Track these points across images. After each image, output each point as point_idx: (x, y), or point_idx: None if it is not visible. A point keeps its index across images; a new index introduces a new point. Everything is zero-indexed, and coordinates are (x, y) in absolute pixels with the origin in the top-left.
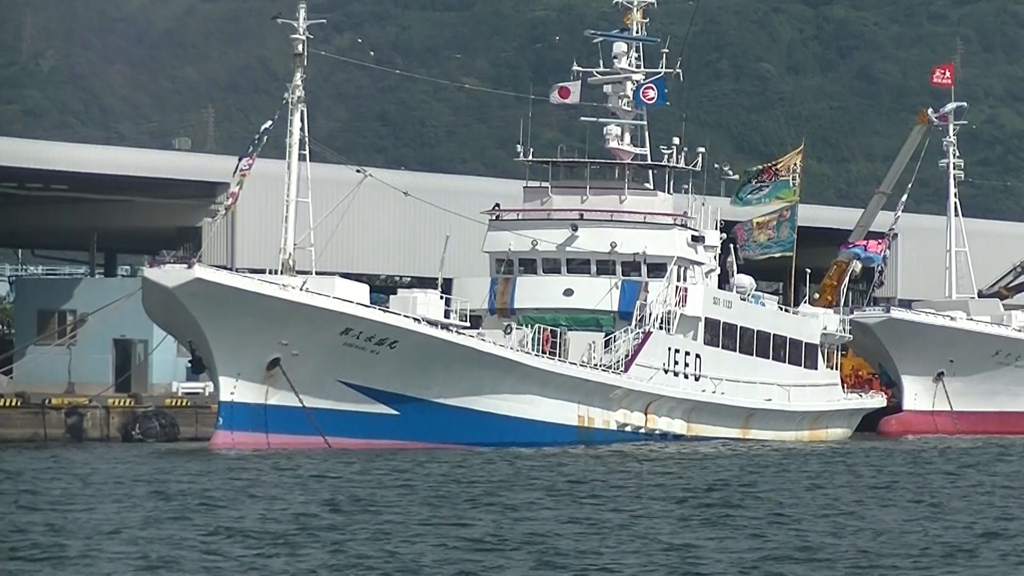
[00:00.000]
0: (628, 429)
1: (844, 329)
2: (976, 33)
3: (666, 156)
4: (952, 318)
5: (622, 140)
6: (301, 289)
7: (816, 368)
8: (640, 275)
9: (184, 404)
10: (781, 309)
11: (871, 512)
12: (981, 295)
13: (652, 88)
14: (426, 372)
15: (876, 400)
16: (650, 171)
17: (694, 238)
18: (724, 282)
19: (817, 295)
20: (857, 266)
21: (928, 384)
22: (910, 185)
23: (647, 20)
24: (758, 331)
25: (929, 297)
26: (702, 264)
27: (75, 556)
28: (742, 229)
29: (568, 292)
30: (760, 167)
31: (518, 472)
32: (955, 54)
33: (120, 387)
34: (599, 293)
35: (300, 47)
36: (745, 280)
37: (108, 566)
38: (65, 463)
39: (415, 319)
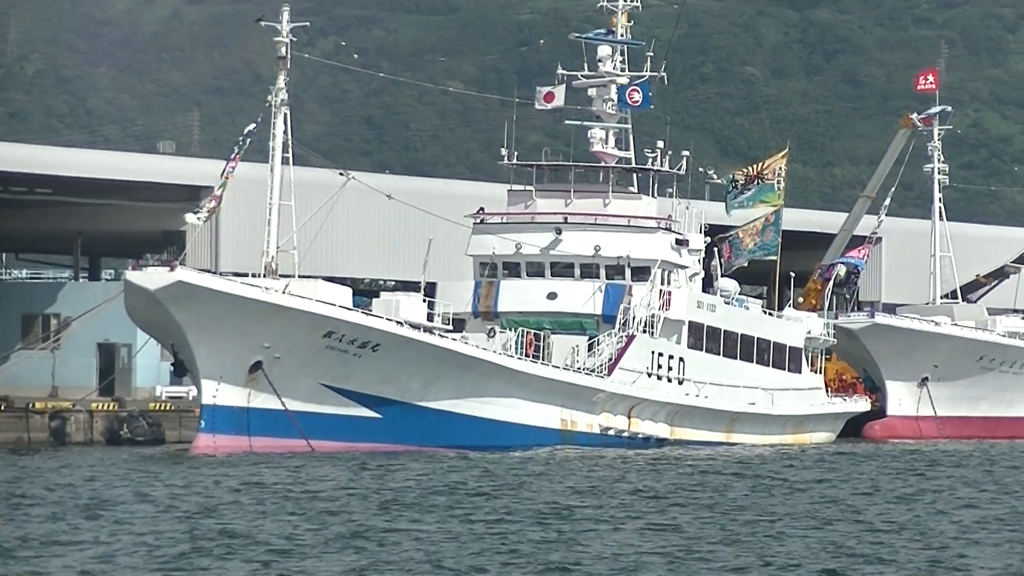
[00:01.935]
0: (611, 433)
1: (828, 333)
2: (961, 36)
3: (650, 160)
4: (936, 323)
5: (606, 143)
6: (283, 292)
7: (800, 372)
8: (624, 279)
9: (168, 408)
10: (765, 313)
11: None
12: (963, 291)
13: (637, 91)
14: (409, 375)
15: (860, 404)
16: (634, 175)
17: (678, 242)
18: (708, 286)
19: (801, 299)
20: (841, 270)
21: (912, 389)
22: (894, 189)
23: (632, 23)
24: (742, 335)
25: (913, 301)
26: (686, 268)
27: None
28: (729, 246)
29: (552, 295)
30: (744, 172)
31: None
32: (940, 58)
33: (104, 391)
34: (583, 296)
35: (284, 50)
36: (729, 284)
37: None
38: None
39: (398, 322)
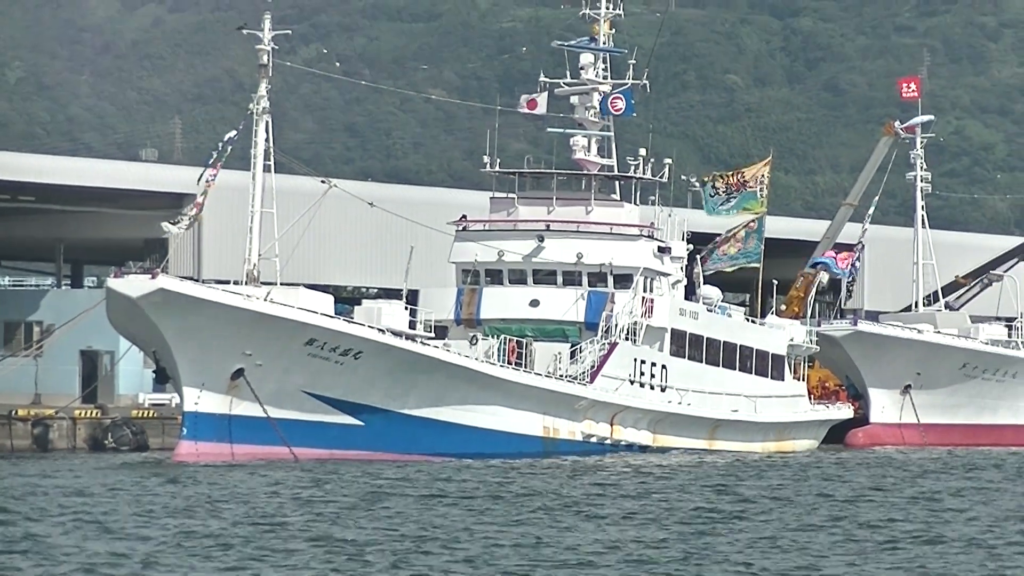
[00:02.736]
0: (593, 440)
1: (811, 340)
2: (943, 45)
3: (633, 167)
4: (919, 331)
5: (589, 151)
6: (265, 300)
7: (783, 379)
8: (606, 286)
9: (151, 415)
10: (748, 320)
11: None
12: (942, 292)
13: (620, 98)
14: (390, 383)
15: (843, 412)
16: (617, 182)
17: (660, 249)
18: (691, 293)
19: (784, 306)
20: (824, 278)
21: (895, 396)
22: (877, 197)
23: (614, 31)
24: (724, 342)
25: (895, 308)
26: (668, 275)
27: None
28: (707, 255)
29: (534, 303)
30: (719, 174)
31: None
32: (921, 66)
33: (87, 398)
34: (565, 304)
35: (265, 58)
36: (712, 291)
37: None
38: None
39: (380, 330)
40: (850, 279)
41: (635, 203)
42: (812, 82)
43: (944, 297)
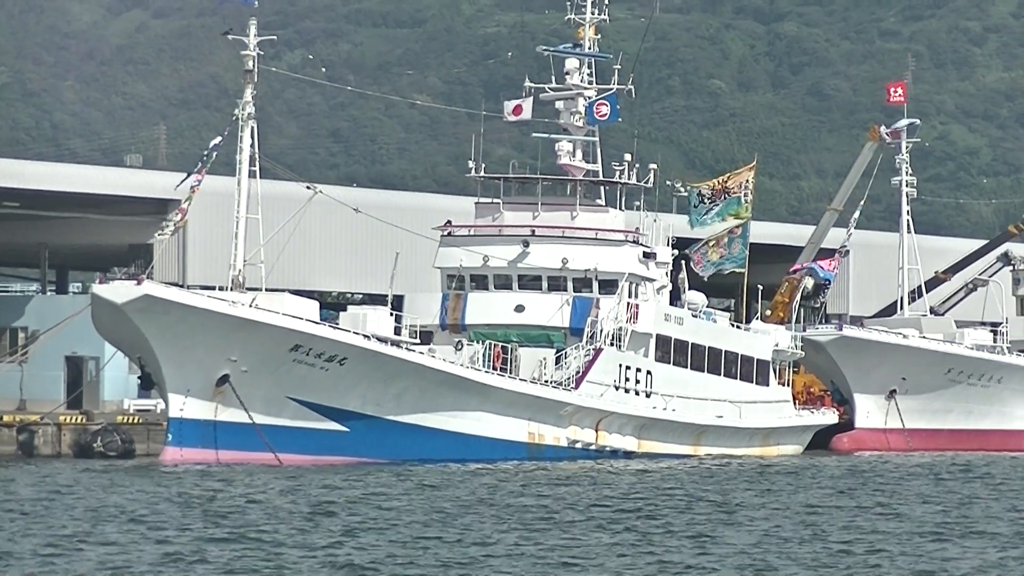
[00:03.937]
0: (578, 446)
1: (796, 346)
2: (927, 50)
3: (618, 172)
4: (904, 336)
5: (574, 156)
6: (250, 305)
7: (768, 385)
8: (591, 291)
9: (136, 421)
10: (733, 326)
11: None
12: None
13: (605, 104)
14: (376, 389)
15: (828, 417)
16: (602, 187)
17: (645, 254)
18: (676, 298)
19: (769, 312)
20: (809, 283)
21: (880, 401)
22: (863, 202)
23: (599, 36)
24: (709, 348)
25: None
26: (653, 280)
27: None
28: (699, 255)
29: (519, 308)
30: (710, 185)
31: None
32: (906, 71)
33: (72, 404)
34: (550, 309)
35: (250, 63)
36: (697, 297)
37: None
38: None
39: (365, 336)
40: (826, 282)
41: (620, 208)
42: (797, 87)
43: (926, 293)
